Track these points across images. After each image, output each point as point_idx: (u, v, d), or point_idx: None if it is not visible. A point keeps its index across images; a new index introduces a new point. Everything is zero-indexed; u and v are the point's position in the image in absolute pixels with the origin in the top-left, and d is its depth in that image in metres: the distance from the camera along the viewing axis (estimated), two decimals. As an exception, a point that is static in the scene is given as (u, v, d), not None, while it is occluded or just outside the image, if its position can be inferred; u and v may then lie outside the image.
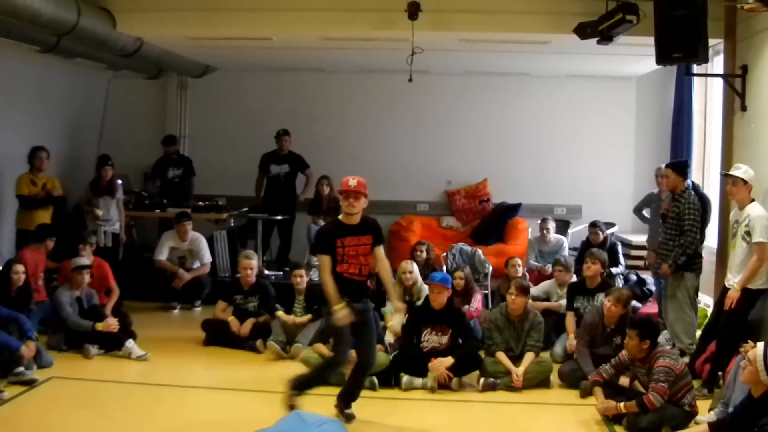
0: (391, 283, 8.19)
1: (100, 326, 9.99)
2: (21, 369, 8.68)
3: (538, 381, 9.06)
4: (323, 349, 9.07)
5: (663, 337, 9.11)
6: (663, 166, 11.44)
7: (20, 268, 10.11)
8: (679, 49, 8.99)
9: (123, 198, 13.15)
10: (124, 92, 15.69)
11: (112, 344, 10.01)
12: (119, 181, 13.11)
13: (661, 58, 9.28)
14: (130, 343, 9.95)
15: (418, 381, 8.93)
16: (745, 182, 8.53)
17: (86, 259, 10.80)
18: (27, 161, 11.84)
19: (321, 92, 15.42)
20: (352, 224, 7.70)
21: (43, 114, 13.52)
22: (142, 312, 11.89)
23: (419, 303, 10.04)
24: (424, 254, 11.62)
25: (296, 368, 9.30)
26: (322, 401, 7.97)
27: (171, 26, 11.05)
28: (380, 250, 7.85)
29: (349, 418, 7.77)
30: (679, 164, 9.93)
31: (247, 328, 10.41)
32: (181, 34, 11.47)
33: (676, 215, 9.56)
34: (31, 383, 8.63)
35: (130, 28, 11.17)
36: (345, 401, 7.87)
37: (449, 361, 8.94)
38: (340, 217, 7.79)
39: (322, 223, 13.45)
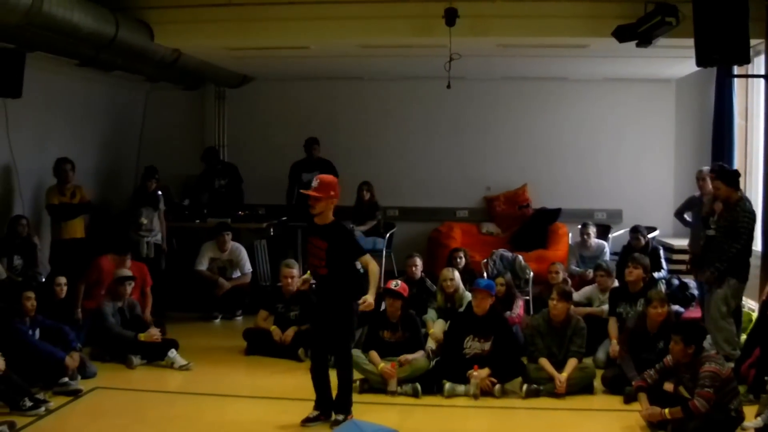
0: (373, 284, 7.86)
1: (142, 336, 10.08)
2: (66, 379, 8.78)
3: (581, 387, 8.98)
4: (376, 356, 9.11)
5: (707, 342, 9.01)
6: (704, 169, 11.34)
7: (62, 280, 10.23)
8: (720, 50, 8.88)
9: (164, 209, 13.22)
10: (162, 103, 15.81)
11: (154, 354, 10.07)
12: (159, 192, 13.19)
13: (702, 60, 9.18)
14: (172, 353, 10.00)
15: (461, 388, 8.89)
16: None
17: (129, 270, 10.90)
18: (53, 174, 11.94)
19: (359, 100, 15.44)
20: (318, 225, 7.83)
21: (83, 126, 13.64)
22: (183, 322, 11.95)
23: (461, 309, 10.03)
24: (463, 260, 11.59)
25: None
26: (377, 409, 8.14)
27: (208, 37, 11.08)
28: (365, 259, 7.84)
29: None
30: (729, 175, 9.71)
31: (289, 336, 10.41)
32: (219, 44, 11.52)
33: (730, 223, 9.40)
34: (75, 394, 8.72)
35: (167, 40, 11.24)
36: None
37: (486, 371, 8.92)
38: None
39: (363, 229, 13.51)
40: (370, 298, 7.69)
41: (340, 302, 7.82)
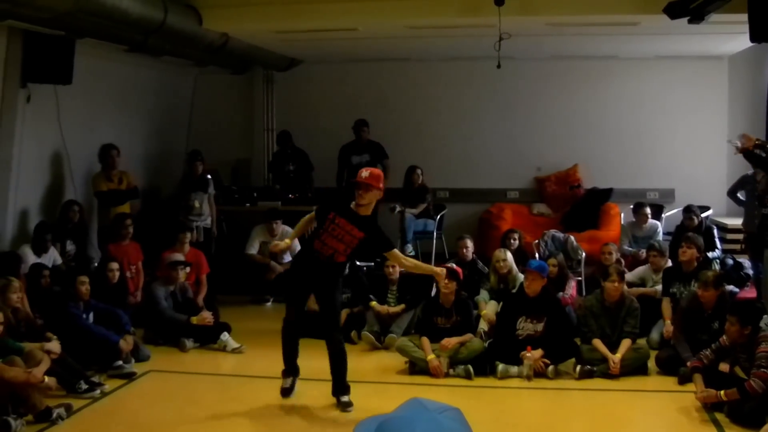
0: (426, 267, 8.42)
1: (195, 320, 10.15)
2: (120, 363, 8.90)
3: (635, 368, 8.94)
4: (427, 343, 9.10)
5: (764, 321, 8.89)
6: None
7: (115, 265, 10.35)
8: (774, 25, 8.75)
9: (214, 193, 13.26)
10: (210, 88, 15.88)
11: (207, 337, 10.15)
12: (209, 176, 13.23)
13: (755, 36, 9.04)
14: (225, 336, 10.07)
15: (514, 369, 8.87)
16: None
17: (181, 255, 11.02)
18: (98, 160, 12.03)
19: (407, 81, 15.38)
20: (358, 214, 7.77)
21: (133, 112, 13.74)
22: (235, 305, 12.02)
23: (514, 291, 9.99)
24: (517, 242, 11.54)
25: (391, 358, 9.38)
26: (430, 391, 8.10)
27: (256, 20, 11.09)
28: (393, 253, 8.00)
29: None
30: None
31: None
32: (267, 28, 11.52)
33: None
34: (130, 376, 8.84)
35: (215, 24, 11.26)
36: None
37: (539, 353, 8.88)
38: (352, 204, 7.82)
39: (415, 212, 13.46)
40: (441, 270, 8.19)
41: (336, 286, 8.02)
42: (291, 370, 8.16)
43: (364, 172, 7.77)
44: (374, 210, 7.95)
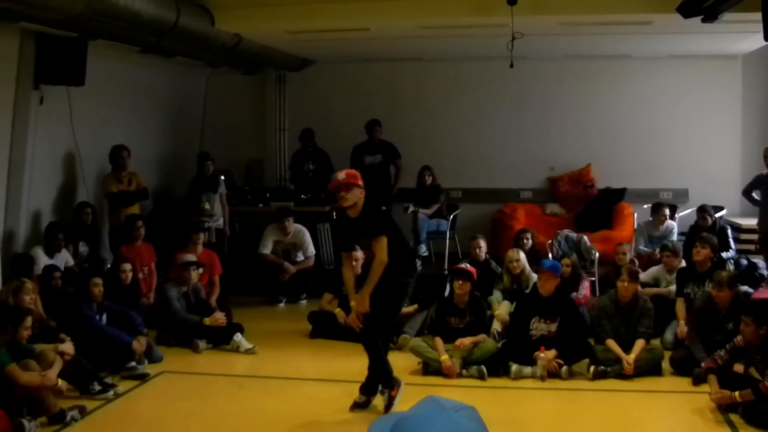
0: (370, 282, 7.71)
1: (207, 321, 10.16)
2: (133, 364, 8.91)
3: (649, 368, 8.90)
4: (440, 343, 9.09)
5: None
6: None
7: (127, 266, 10.36)
8: (789, 23, 8.69)
9: (226, 193, 13.26)
10: (223, 89, 15.89)
11: (220, 338, 10.15)
12: (222, 177, 13.24)
13: (769, 35, 9.00)
14: (238, 336, 10.07)
15: (527, 370, 8.85)
16: None
17: (194, 256, 11.01)
18: (109, 161, 12.05)
19: (420, 81, 15.34)
20: (352, 218, 7.77)
21: (145, 113, 13.77)
22: (248, 306, 12.02)
23: (528, 291, 9.97)
24: (530, 242, 11.52)
25: (404, 358, 9.34)
26: (443, 391, 8.01)
27: (269, 21, 11.09)
28: (376, 243, 7.62)
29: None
30: None
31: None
32: (279, 28, 11.52)
33: None
34: (143, 377, 8.84)
35: (228, 25, 11.25)
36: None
37: (552, 353, 8.86)
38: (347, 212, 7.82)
39: (428, 212, 13.44)
40: (364, 297, 7.65)
41: (394, 280, 7.76)
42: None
43: (341, 174, 7.73)
44: (371, 207, 7.90)
